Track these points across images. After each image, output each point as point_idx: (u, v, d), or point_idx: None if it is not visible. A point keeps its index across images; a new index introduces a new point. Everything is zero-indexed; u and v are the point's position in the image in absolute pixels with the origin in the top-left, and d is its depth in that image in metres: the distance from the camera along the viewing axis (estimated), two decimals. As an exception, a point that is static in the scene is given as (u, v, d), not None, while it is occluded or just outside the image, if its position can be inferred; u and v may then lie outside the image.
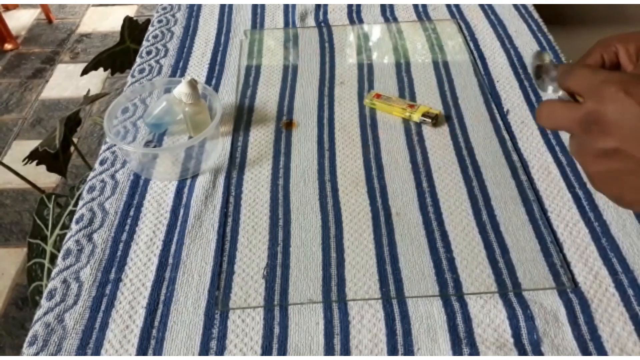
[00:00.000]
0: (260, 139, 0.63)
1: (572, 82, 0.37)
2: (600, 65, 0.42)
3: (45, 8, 2.35)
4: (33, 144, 1.04)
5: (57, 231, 0.86)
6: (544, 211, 0.54)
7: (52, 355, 0.44)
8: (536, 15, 0.82)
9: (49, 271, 0.83)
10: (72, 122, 1.06)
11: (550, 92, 0.42)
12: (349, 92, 0.69)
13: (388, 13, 0.83)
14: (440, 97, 0.68)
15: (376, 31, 0.80)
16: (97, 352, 0.44)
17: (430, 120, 0.63)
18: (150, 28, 0.82)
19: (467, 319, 0.45)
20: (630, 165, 0.34)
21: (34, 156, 1.01)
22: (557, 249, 0.50)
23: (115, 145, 0.62)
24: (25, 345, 0.45)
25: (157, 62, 0.75)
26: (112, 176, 0.59)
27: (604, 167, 0.35)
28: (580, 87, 0.36)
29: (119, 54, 1.14)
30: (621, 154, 0.33)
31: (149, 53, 0.77)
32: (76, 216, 0.55)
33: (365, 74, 0.72)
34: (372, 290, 0.48)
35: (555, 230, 0.52)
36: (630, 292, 0.47)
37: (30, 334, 0.46)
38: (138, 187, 0.58)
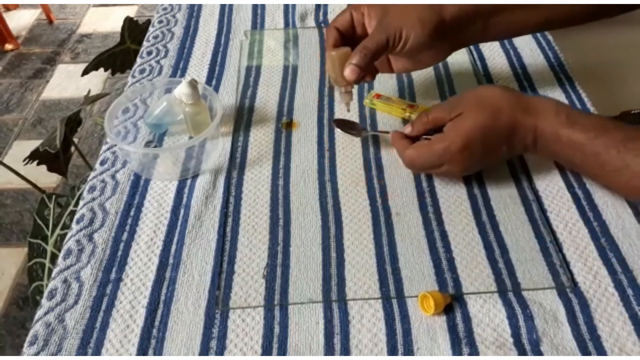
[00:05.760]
0: (261, 139, 0.63)
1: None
2: (349, 22, 0.55)
3: (45, 8, 2.35)
4: (34, 144, 1.04)
5: (57, 231, 0.86)
6: (543, 211, 0.54)
7: (52, 355, 0.45)
8: (536, 15, 0.82)
9: (50, 271, 0.83)
10: (73, 122, 1.06)
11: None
12: (349, 92, 0.69)
13: (388, 13, 0.83)
14: (440, 97, 0.68)
15: (376, 31, 0.80)
16: (97, 352, 0.45)
17: (430, 121, 0.63)
18: (151, 28, 0.82)
19: (467, 319, 0.46)
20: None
21: (35, 156, 1.01)
22: (556, 248, 0.50)
23: (115, 145, 0.62)
24: (25, 344, 0.45)
25: (158, 62, 0.76)
26: (113, 176, 0.59)
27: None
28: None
29: (120, 54, 1.14)
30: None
31: (149, 53, 0.77)
32: (77, 216, 0.55)
33: (365, 74, 0.72)
34: (372, 290, 0.48)
35: (554, 230, 0.52)
36: (629, 291, 0.47)
37: (30, 333, 0.46)
38: (138, 187, 0.58)
